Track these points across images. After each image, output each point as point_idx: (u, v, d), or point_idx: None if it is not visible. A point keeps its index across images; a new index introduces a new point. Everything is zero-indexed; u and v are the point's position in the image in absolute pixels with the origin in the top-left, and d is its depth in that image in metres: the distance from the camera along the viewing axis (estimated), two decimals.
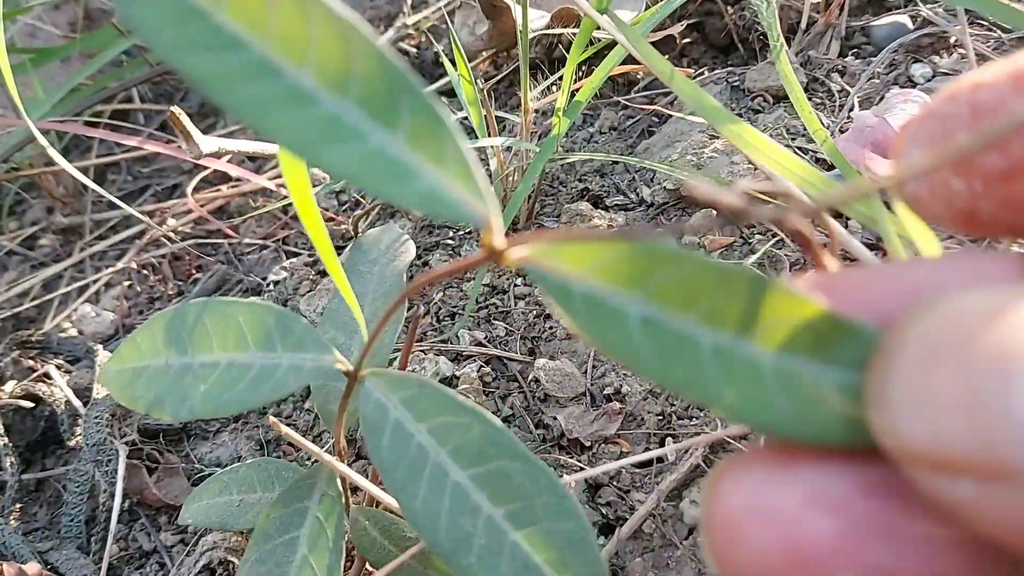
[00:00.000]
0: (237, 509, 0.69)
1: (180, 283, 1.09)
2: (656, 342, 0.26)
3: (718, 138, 0.88)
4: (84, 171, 1.28)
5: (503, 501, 0.44)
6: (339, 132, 0.28)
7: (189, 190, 1.11)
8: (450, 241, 0.96)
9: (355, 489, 0.65)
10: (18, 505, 0.89)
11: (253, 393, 0.48)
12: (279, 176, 1.14)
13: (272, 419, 0.59)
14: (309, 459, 0.82)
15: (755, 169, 0.80)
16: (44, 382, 0.96)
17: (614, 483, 0.69)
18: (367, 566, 0.70)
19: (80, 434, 0.90)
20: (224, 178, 1.18)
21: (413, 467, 0.44)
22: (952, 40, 0.91)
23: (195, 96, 1.40)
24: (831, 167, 0.82)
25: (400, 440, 0.44)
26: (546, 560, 0.43)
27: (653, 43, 1.09)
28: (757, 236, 0.79)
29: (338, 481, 0.56)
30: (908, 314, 0.23)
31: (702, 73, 1.05)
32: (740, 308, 0.25)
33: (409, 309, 0.84)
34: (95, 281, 1.13)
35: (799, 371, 0.25)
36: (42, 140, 0.87)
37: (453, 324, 0.85)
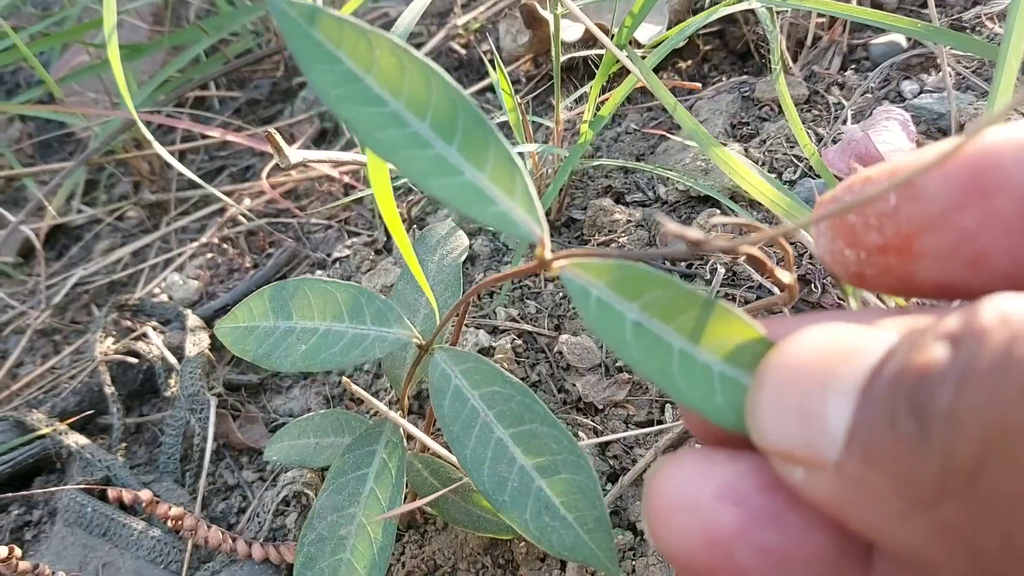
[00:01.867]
0: (314, 450, 0.84)
1: (255, 256, 1.25)
2: (641, 341, 0.39)
3: (725, 144, 1.00)
4: (170, 154, 1.44)
5: (533, 455, 0.58)
6: (444, 168, 0.42)
7: (264, 174, 1.27)
8: (491, 229, 1.10)
9: (409, 438, 0.80)
10: (123, 444, 1.05)
11: (345, 356, 0.63)
12: (341, 164, 1.29)
13: (345, 379, 0.74)
14: (369, 412, 0.97)
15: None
16: (142, 340, 1.12)
17: (621, 440, 0.84)
18: (417, 499, 0.85)
19: (175, 385, 1.07)
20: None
21: (467, 423, 0.59)
22: (938, 60, 1.02)
23: (264, 85, 1.55)
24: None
25: (458, 402, 0.59)
26: (562, 502, 0.58)
27: (677, 49, 1.22)
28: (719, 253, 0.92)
29: (400, 431, 0.71)
30: (775, 346, 0.30)
31: (719, 80, 1.17)
32: (704, 325, 0.38)
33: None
34: (180, 254, 1.30)
35: (737, 377, 0.37)
36: (145, 131, 1.02)
37: (491, 302, 0.99)
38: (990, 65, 1.00)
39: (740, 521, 0.28)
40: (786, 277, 0.46)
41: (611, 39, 0.85)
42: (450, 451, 0.78)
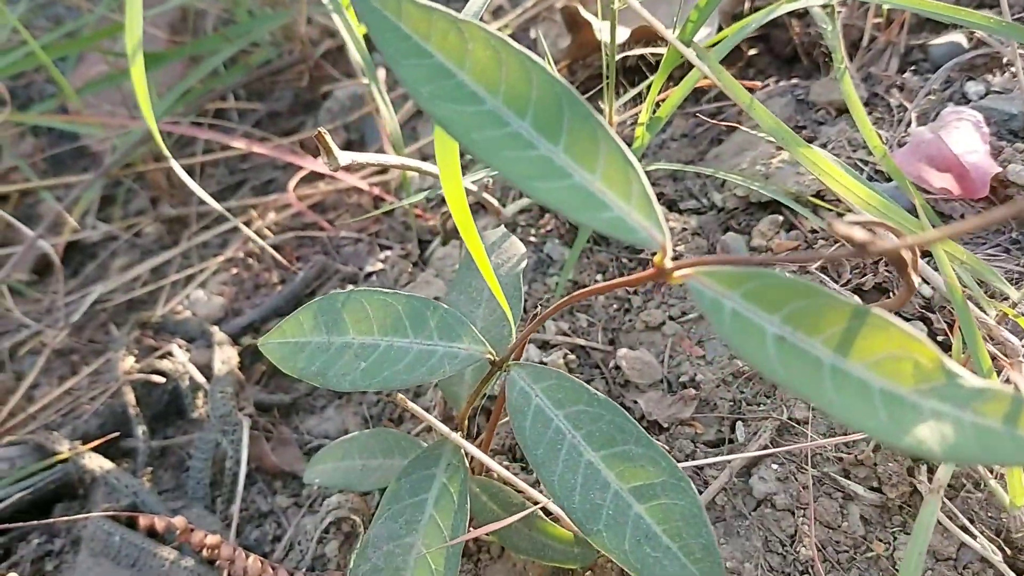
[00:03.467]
0: (360, 473, 0.78)
1: (282, 272, 1.20)
2: (786, 356, 0.34)
3: (784, 150, 0.96)
4: (189, 168, 1.39)
5: (628, 479, 0.53)
6: (551, 170, 0.37)
7: (291, 185, 1.22)
8: (532, 239, 1.05)
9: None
10: (148, 468, 1.00)
11: (410, 374, 0.58)
12: (370, 175, 1.24)
13: (400, 397, 0.68)
14: (415, 432, 0.92)
15: (820, 183, 0.88)
16: (167, 359, 1.07)
17: (690, 461, 0.78)
18: (476, 525, 0.79)
19: (203, 406, 1.01)
20: (318, 176, 1.29)
21: (552, 446, 0.53)
22: (1004, 60, 0.98)
23: (286, 96, 1.50)
24: (889, 179, 0.90)
25: (541, 423, 0.54)
26: (664, 530, 0.52)
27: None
28: (820, 241, 0.87)
29: (461, 452, 0.66)
30: None
31: (768, 85, 1.12)
32: (857, 336, 0.34)
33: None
34: (202, 270, 1.25)
35: (901, 395, 0.34)
36: (162, 145, 0.97)
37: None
38: None
39: None
40: (916, 280, 0.42)
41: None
42: (511, 472, 0.73)
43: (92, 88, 1.32)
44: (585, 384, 0.55)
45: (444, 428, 0.66)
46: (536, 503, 0.68)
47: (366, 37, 1.43)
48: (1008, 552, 0.66)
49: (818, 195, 0.88)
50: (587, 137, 0.38)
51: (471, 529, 0.76)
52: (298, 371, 0.63)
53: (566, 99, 0.39)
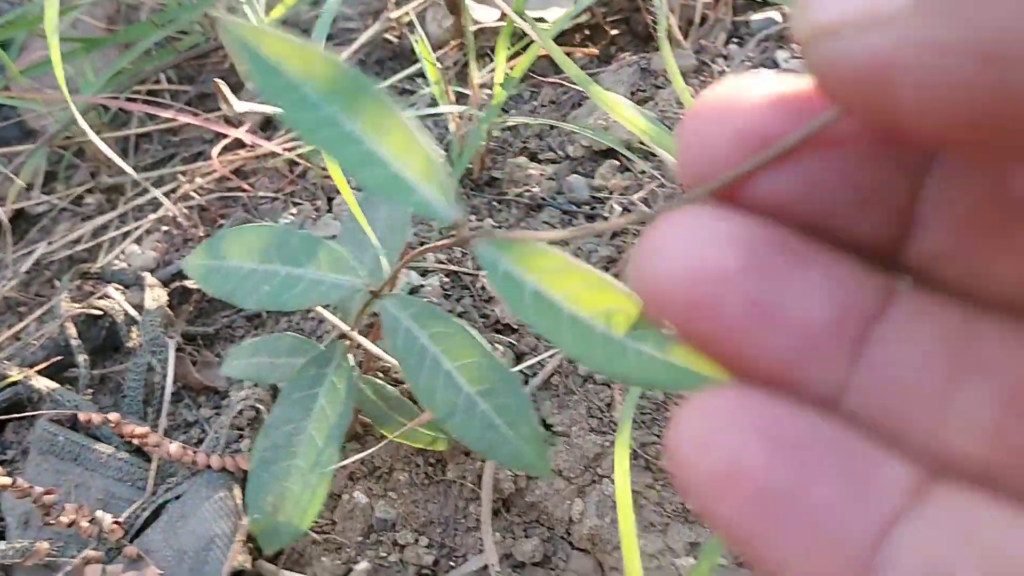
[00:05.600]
0: (268, 367, 0.94)
1: (208, 227, 1.36)
2: (538, 306, 0.49)
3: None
4: (124, 140, 1.55)
5: (476, 383, 0.70)
6: (374, 161, 0.52)
7: (215, 153, 1.38)
8: None
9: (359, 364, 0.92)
10: (89, 390, 1.16)
11: (305, 298, 0.74)
12: (287, 142, 1.41)
13: (319, 308, 0.85)
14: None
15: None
16: (105, 299, 1.22)
17: (533, 352, 0.97)
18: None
19: (136, 337, 1.17)
20: (240, 144, 1.45)
21: (419, 358, 0.70)
22: None
23: (212, 78, 1.66)
24: None
25: (409, 340, 0.71)
26: (503, 422, 0.69)
27: (589, 34, 1.36)
28: (647, 180, 1.06)
29: (349, 356, 0.82)
30: None
31: (624, 57, 1.31)
32: (589, 293, 0.45)
33: None
34: (137, 228, 1.40)
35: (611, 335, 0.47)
36: (79, 118, 1.12)
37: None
38: None
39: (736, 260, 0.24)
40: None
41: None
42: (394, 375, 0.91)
43: (34, 71, 1.47)
44: (444, 312, 0.72)
45: (339, 321, 0.83)
46: (412, 400, 0.85)
47: (282, 22, 1.59)
48: None
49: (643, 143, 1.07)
50: (401, 135, 0.52)
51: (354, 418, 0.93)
52: (213, 289, 0.80)
53: (380, 103, 0.53)
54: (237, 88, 1.66)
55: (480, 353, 0.71)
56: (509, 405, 0.69)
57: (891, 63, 0.19)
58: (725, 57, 1.21)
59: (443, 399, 0.69)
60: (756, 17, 1.23)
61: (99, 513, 0.92)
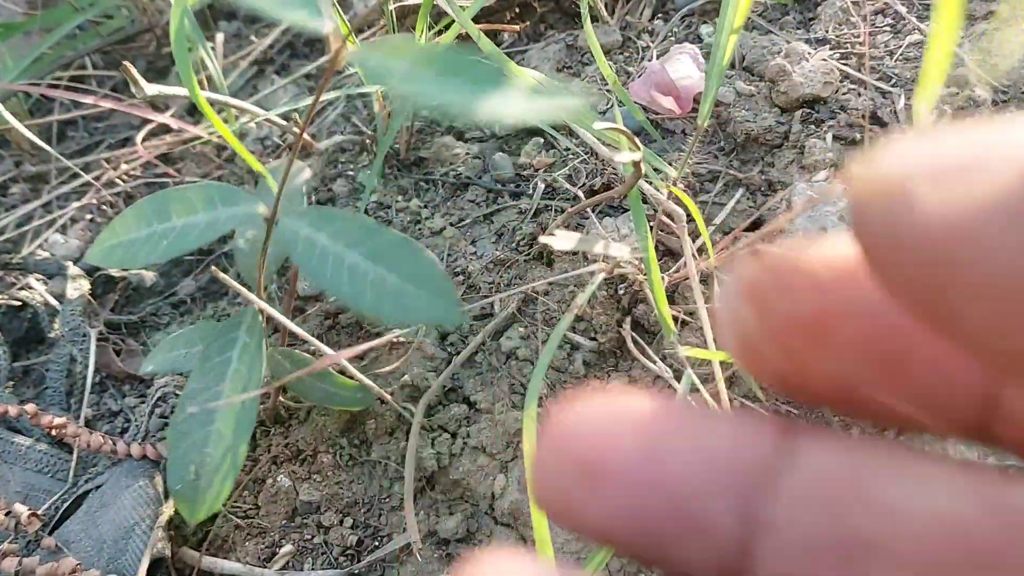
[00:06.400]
0: (184, 358, 0.93)
1: None
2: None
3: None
4: (47, 127, 1.51)
5: (381, 263, 0.70)
6: None
7: (139, 139, 1.35)
8: (350, 173, 1.21)
9: (274, 331, 0.91)
10: (11, 383, 1.13)
11: (203, 238, 0.74)
12: (212, 126, 1.39)
13: (214, 269, 0.84)
14: None
15: None
16: (26, 290, 1.20)
17: (457, 331, 0.96)
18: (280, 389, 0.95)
19: (59, 328, 1.15)
20: (167, 130, 1.42)
21: (322, 258, 0.70)
22: None
23: (139, 63, 1.63)
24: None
25: (309, 246, 0.71)
26: (413, 286, 0.69)
27: (517, 12, 1.35)
28: (571, 157, 1.06)
29: (259, 316, 0.82)
30: None
31: (553, 34, 1.31)
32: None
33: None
34: (61, 216, 1.37)
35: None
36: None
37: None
38: (772, 8, 1.17)
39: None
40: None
41: None
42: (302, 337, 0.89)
43: None
44: (335, 210, 0.73)
45: (244, 291, 0.82)
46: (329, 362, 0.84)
47: (208, 6, 1.57)
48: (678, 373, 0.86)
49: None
50: None
51: (280, 390, 0.92)
52: (115, 262, 0.79)
53: None
54: (165, 72, 1.64)
55: (378, 234, 0.71)
56: (416, 271, 0.68)
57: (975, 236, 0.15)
58: (650, 33, 1.21)
59: (351, 286, 0.69)
60: None
61: (16, 505, 0.90)
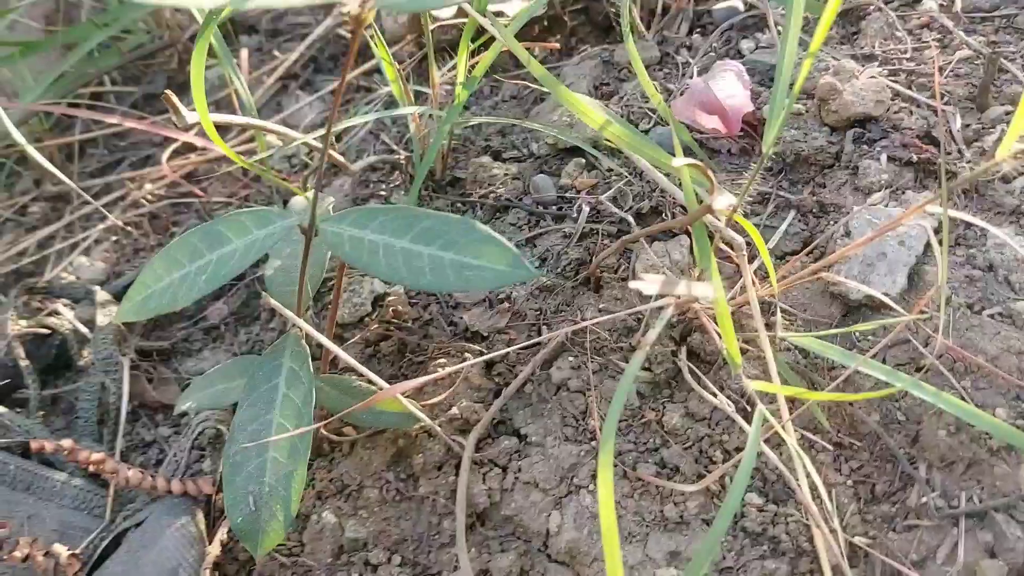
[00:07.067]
0: (222, 392, 0.91)
1: (159, 236, 1.31)
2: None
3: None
4: (67, 147, 1.49)
5: (433, 243, 0.70)
6: None
7: (164, 158, 1.33)
8: (382, 193, 1.19)
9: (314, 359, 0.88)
10: (40, 413, 1.10)
11: (243, 261, 0.72)
12: (239, 144, 1.36)
13: (264, 295, 0.81)
14: None
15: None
16: (54, 316, 1.17)
17: (504, 361, 0.94)
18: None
19: (88, 355, 1.12)
20: (191, 148, 1.40)
21: (372, 252, 0.70)
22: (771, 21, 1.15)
23: (159, 79, 1.60)
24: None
25: (356, 243, 0.70)
26: (476, 260, 0.68)
27: (546, 25, 1.33)
28: (613, 177, 1.04)
29: (302, 341, 0.80)
30: None
31: (585, 49, 1.28)
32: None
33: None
34: (85, 239, 1.35)
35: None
36: (12, 130, 1.06)
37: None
38: (815, 23, 1.14)
39: None
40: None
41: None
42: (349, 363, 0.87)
43: None
44: (370, 206, 0.71)
45: (288, 312, 0.79)
46: (371, 382, 0.82)
47: (229, 20, 1.54)
48: (738, 405, 0.84)
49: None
50: None
51: (324, 418, 0.89)
52: (154, 310, 0.77)
53: None
54: (186, 87, 1.61)
55: (422, 219, 0.71)
56: (477, 245, 0.69)
57: None
58: (689, 48, 1.18)
59: (408, 271, 0.69)
60: (719, 6, 1.21)
61: (55, 546, 0.88)
